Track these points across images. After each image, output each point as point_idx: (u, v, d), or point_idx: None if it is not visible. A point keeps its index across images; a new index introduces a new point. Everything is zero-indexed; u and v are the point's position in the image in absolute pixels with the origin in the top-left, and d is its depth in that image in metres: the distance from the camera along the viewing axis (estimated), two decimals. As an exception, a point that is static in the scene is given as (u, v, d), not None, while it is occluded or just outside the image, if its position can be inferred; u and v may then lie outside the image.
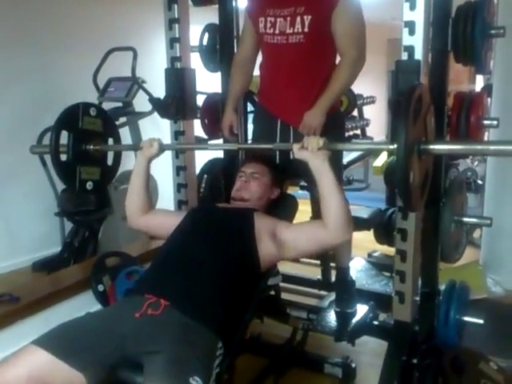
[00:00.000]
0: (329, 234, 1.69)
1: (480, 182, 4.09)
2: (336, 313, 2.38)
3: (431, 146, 1.46)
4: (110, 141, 2.17)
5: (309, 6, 1.98)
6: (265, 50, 2.18)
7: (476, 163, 4.67)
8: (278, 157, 2.19)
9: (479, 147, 1.65)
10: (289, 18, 2.00)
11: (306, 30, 1.98)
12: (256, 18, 2.11)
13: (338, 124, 2.28)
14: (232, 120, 2.29)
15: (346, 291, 2.42)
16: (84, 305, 2.35)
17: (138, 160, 2.00)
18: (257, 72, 2.30)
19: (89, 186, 2.06)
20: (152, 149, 1.95)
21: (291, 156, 2.05)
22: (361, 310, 2.36)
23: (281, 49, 2.06)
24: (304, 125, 2.01)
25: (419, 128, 1.44)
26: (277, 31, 2.04)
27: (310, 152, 1.65)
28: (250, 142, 2.58)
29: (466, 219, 2.10)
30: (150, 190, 2.08)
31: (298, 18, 1.98)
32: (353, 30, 2.01)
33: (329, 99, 2.01)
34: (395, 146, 1.37)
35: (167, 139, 2.55)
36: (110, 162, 2.18)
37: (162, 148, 1.97)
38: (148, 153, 1.96)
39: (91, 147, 2.02)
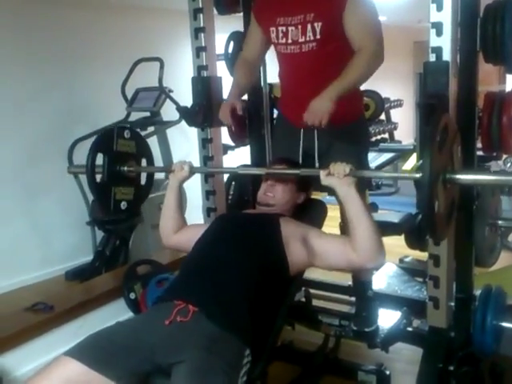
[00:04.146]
0: (359, 257, 1.66)
1: (513, 184, 3.99)
2: (353, 332, 2.25)
3: (457, 176, 1.45)
4: (144, 162, 2.22)
5: (318, 12, 1.92)
6: (280, 60, 2.13)
7: (509, 165, 4.56)
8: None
9: (508, 178, 1.62)
10: (300, 27, 1.95)
11: (318, 36, 1.93)
12: (267, 28, 2.06)
13: (362, 132, 2.24)
14: (235, 103, 2.06)
15: (365, 308, 2.29)
16: (116, 312, 2.38)
17: (170, 183, 2.04)
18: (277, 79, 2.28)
19: (123, 205, 2.10)
20: (183, 172, 1.99)
21: (316, 164, 2.04)
22: (394, 316, 2.31)
23: (296, 58, 2.02)
24: (309, 111, 1.83)
25: (445, 158, 1.43)
26: (289, 41, 1.99)
27: (337, 178, 1.65)
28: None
29: (500, 222, 2.06)
30: (183, 207, 2.11)
31: (309, 26, 1.93)
32: (367, 27, 1.92)
33: (340, 86, 1.84)
34: (421, 174, 1.36)
35: (195, 147, 2.57)
36: (143, 181, 2.23)
37: (193, 171, 2.02)
38: (179, 175, 2.00)
39: (125, 168, 2.08)
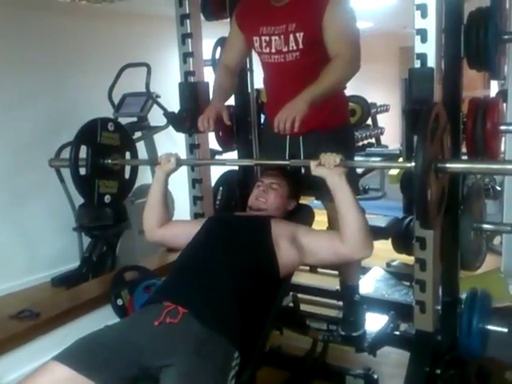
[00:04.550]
0: (347, 249, 1.69)
1: (498, 187, 4.03)
2: (341, 336, 2.24)
3: (447, 165, 1.48)
4: (128, 155, 2.20)
5: (299, 22, 1.92)
6: (265, 69, 2.13)
7: (493, 169, 4.61)
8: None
9: (497, 166, 1.64)
10: (282, 36, 1.94)
11: (300, 46, 1.93)
12: (250, 37, 2.06)
13: (348, 137, 2.25)
14: (221, 109, 1.98)
15: (352, 312, 2.28)
16: (103, 319, 2.35)
17: (156, 175, 2.02)
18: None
19: (107, 199, 2.08)
20: (170, 164, 1.97)
21: (302, 170, 2.05)
22: (381, 320, 2.33)
23: (280, 67, 2.02)
24: (282, 112, 1.76)
25: (436, 147, 1.45)
26: (273, 50, 1.99)
27: (327, 169, 1.67)
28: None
29: (485, 226, 2.08)
30: (168, 202, 2.09)
31: (291, 36, 1.93)
32: (344, 35, 1.90)
33: (315, 91, 1.79)
34: (413, 164, 1.38)
35: (182, 152, 2.57)
36: (127, 175, 2.21)
37: (179, 163, 2.00)
38: (166, 168, 1.98)
39: (109, 161, 2.06)
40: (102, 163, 2.03)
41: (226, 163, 2.08)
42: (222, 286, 1.68)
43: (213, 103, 2.07)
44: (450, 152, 1.60)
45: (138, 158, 2.29)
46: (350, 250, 1.69)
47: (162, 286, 1.86)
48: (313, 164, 1.69)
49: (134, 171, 2.22)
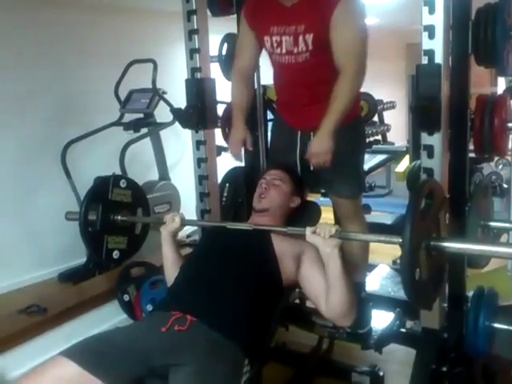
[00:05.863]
0: (327, 313, 1.74)
1: (505, 185, 4.01)
2: (347, 333, 2.22)
3: (443, 244, 1.44)
4: (140, 211, 2.22)
5: (308, 24, 1.91)
6: (276, 67, 2.13)
7: (501, 167, 4.59)
8: (299, 166, 2.17)
9: (495, 249, 1.51)
10: (292, 37, 1.95)
11: (310, 47, 1.93)
12: (261, 37, 2.05)
13: (359, 133, 2.24)
14: (245, 135, 2.11)
15: (358, 309, 2.28)
16: (110, 315, 2.38)
17: (163, 235, 2.01)
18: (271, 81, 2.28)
19: (115, 255, 2.10)
20: (174, 223, 1.97)
21: (311, 167, 2.05)
22: (387, 317, 2.32)
23: (292, 67, 2.02)
24: (313, 154, 1.90)
25: (428, 224, 1.42)
26: (284, 51, 1.99)
27: (322, 238, 1.65)
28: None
29: (492, 224, 2.07)
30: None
31: (301, 38, 1.93)
32: (350, 41, 1.89)
33: (333, 120, 1.88)
34: (400, 240, 1.36)
35: (189, 149, 2.57)
36: (137, 231, 2.22)
37: (184, 223, 2.00)
38: (170, 227, 1.98)
39: (119, 218, 2.07)
40: (112, 219, 2.06)
41: (227, 226, 1.98)
42: (230, 298, 1.69)
43: (239, 125, 2.12)
44: (448, 229, 1.54)
45: (150, 213, 2.31)
46: (328, 316, 1.75)
47: (168, 296, 1.86)
48: (308, 231, 1.68)
49: (145, 228, 2.23)
